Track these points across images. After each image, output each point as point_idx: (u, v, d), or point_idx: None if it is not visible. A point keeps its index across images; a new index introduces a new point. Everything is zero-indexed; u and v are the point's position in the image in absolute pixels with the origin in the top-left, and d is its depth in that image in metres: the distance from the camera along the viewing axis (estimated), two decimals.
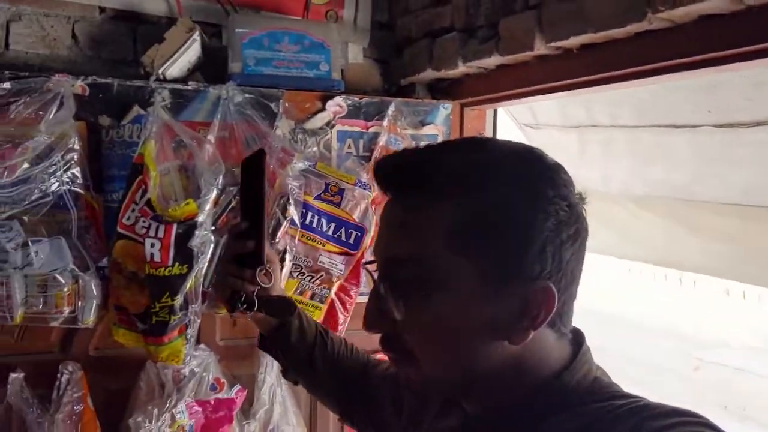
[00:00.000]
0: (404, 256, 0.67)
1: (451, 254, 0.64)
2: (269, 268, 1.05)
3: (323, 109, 1.63)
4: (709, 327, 7.62)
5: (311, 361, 1.08)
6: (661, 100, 2.40)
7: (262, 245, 1.00)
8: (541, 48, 1.37)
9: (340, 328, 1.60)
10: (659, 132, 2.63)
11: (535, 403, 0.67)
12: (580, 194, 0.68)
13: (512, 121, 3.56)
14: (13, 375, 1.39)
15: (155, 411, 1.42)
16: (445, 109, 1.77)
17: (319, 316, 1.58)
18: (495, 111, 1.93)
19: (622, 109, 2.61)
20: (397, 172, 0.68)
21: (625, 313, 8.30)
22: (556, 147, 3.38)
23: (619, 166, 3.04)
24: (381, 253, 0.70)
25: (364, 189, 1.59)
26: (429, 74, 1.74)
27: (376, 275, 0.71)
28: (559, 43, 1.34)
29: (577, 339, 0.72)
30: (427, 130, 1.74)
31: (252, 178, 1.02)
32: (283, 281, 1.52)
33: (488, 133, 1.91)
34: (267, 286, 1.03)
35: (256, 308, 1.01)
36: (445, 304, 0.65)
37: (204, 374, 1.51)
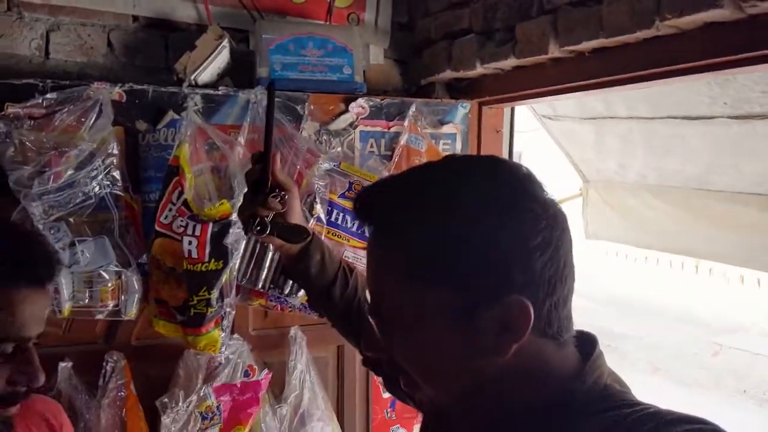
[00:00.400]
0: (378, 293, 0.70)
1: (414, 289, 0.65)
2: (283, 195, 1.08)
3: (346, 110, 1.71)
4: (726, 313, 7.63)
5: (329, 296, 1.13)
6: (677, 92, 2.44)
7: (267, 170, 1.04)
8: (555, 51, 1.43)
9: None
10: (675, 124, 2.67)
11: (546, 411, 0.67)
12: (548, 200, 0.66)
13: (532, 113, 3.61)
14: (62, 364, 1.49)
15: (182, 393, 1.52)
16: (464, 108, 1.83)
17: None
18: (512, 108, 1.99)
19: (639, 102, 2.65)
20: (360, 210, 0.71)
21: (644, 301, 8.32)
22: (573, 138, 3.43)
23: (636, 157, 3.09)
24: (368, 286, 0.73)
25: None
26: (448, 74, 1.81)
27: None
28: (572, 47, 1.40)
29: (587, 345, 0.71)
30: (447, 129, 1.81)
31: (267, 107, 1.10)
32: None
33: (505, 130, 1.97)
34: (279, 210, 1.07)
35: (268, 232, 1.05)
36: (424, 334, 0.66)
37: (238, 361, 1.61)
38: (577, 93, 1.57)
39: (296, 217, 1.14)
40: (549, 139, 3.48)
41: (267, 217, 1.06)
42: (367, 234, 0.71)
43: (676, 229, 3.05)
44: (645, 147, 2.91)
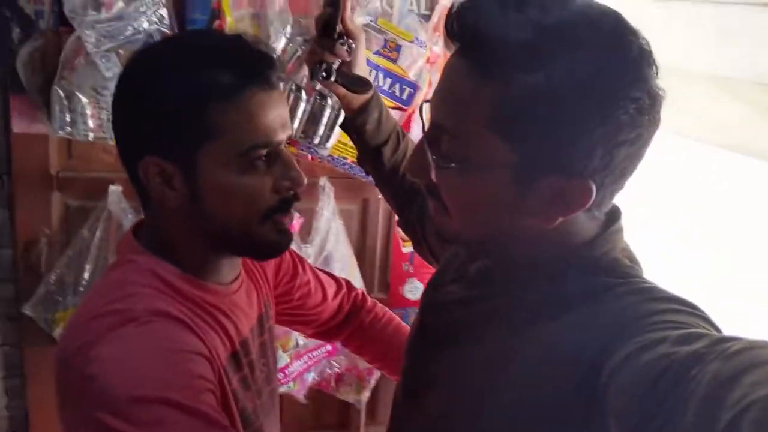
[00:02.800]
0: (445, 125, 0.66)
1: (490, 134, 0.63)
2: (350, 43, 1.06)
3: None
4: None
5: (379, 154, 1.14)
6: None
7: (338, 15, 1.02)
8: None
9: None
10: (750, 10, 2.50)
11: (547, 268, 0.69)
12: (657, 90, 0.62)
13: None
14: (112, 187, 1.67)
15: None
16: None
17: None
18: None
19: None
20: (466, 27, 0.63)
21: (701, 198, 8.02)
22: (638, 20, 3.25)
23: (704, 45, 2.93)
24: (431, 112, 0.70)
25: (421, 47, 1.69)
26: None
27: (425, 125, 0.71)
28: None
29: (610, 217, 0.71)
30: None
31: None
32: (339, 129, 1.68)
33: None
34: (346, 59, 1.06)
35: (333, 78, 1.05)
36: (475, 179, 0.66)
37: None
38: None
39: (361, 69, 1.12)
40: None
41: (333, 64, 1.05)
42: (458, 52, 0.66)
43: (740, 125, 2.94)
44: (715, 34, 2.75)
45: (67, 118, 1.56)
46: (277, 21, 1.58)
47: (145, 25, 1.53)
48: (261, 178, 0.82)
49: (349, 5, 1.06)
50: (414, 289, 1.98)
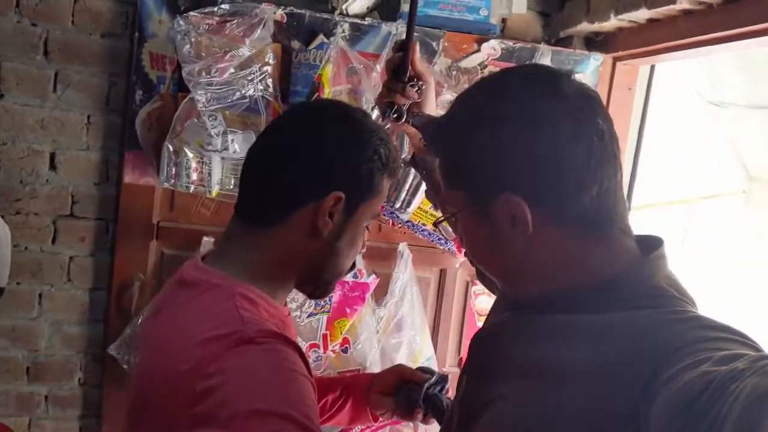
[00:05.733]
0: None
1: (448, 189, 0.81)
2: (420, 85, 1.11)
3: (478, 50, 1.82)
4: None
5: None
6: None
7: (407, 58, 1.07)
8: (684, 2, 1.44)
9: None
10: None
11: (581, 298, 0.71)
12: (572, 92, 0.70)
13: (698, 98, 3.41)
14: (205, 238, 1.78)
15: None
16: (596, 61, 1.86)
17: None
18: (652, 68, 1.97)
19: None
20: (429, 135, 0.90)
21: None
22: (740, 128, 3.20)
23: None
24: None
25: None
26: (584, 27, 1.84)
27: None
28: None
29: (649, 246, 0.73)
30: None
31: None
32: (421, 196, 1.75)
33: (640, 90, 1.96)
34: (416, 100, 1.11)
35: (404, 120, 1.10)
36: (465, 226, 0.80)
37: None
38: (707, 48, 1.55)
39: (431, 108, 1.17)
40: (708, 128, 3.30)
41: (404, 105, 1.10)
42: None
43: None
44: None
45: (173, 171, 1.70)
46: (370, 95, 1.70)
47: (251, 91, 1.69)
48: (361, 238, 1.03)
49: (417, 48, 1.12)
50: None
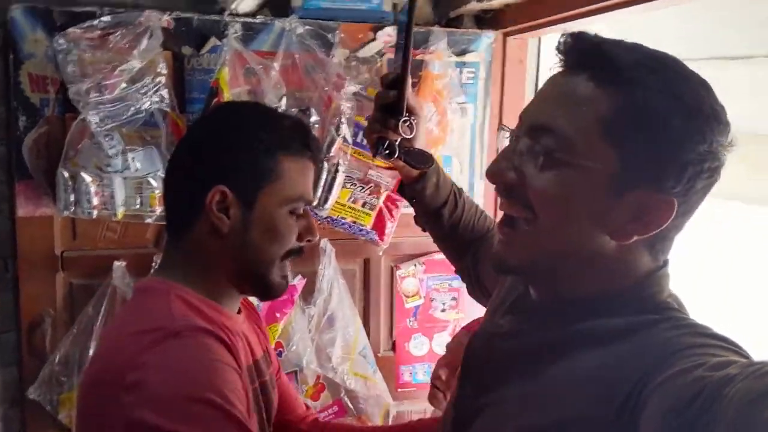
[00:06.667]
0: (555, 126, 0.69)
1: (600, 138, 0.66)
2: (413, 120, 1.10)
3: (374, 38, 1.81)
4: None
5: (439, 215, 1.17)
6: (718, 31, 2.41)
7: (403, 96, 1.05)
8: None
9: (387, 231, 1.82)
10: (717, 65, 2.63)
11: (601, 303, 0.71)
12: (730, 142, 0.68)
13: None
14: (116, 263, 1.69)
15: None
16: (488, 38, 1.91)
17: (369, 221, 1.80)
18: (539, 41, 2.05)
19: (679, 42, 2.63)
20: (588, 48, 0.69)
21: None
22: None
23: None
24: (532, 116, 0.73)
25: None
26: (474, 5, 1.88)
27: (515, 132, 0.75)
28: None
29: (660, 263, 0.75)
30: (470, 58, 1.90)
31: (400, 35, 1.07)
32: (337, 191, 1.74)
33: (531, 63, 2.03)
34: (408, 137, 1.09)
35: (396, 155, 1.08)
36: (573, 180, 0.68)
37: None
38: (595, 16, 1.62)
39: (421, 141, 1.16)
40: None
41: (396, 141, 1.09)
42: (564, 67, 0.72)
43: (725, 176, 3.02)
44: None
45: (71, 198, 1.60)
46: (272, 94, 1.66)
47: (147, 105, 1.61)
48: (294, 224, 1.02)
49: (409, 81, 1.09)
50: (420, 345, 1.99)
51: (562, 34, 0.72)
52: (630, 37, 0.71)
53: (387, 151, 1.09)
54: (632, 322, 0.68)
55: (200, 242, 0.99)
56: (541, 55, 2.08)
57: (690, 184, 0.66)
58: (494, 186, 0.77)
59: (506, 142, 0.76)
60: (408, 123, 1.09)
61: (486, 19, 1.97)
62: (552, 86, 0.72)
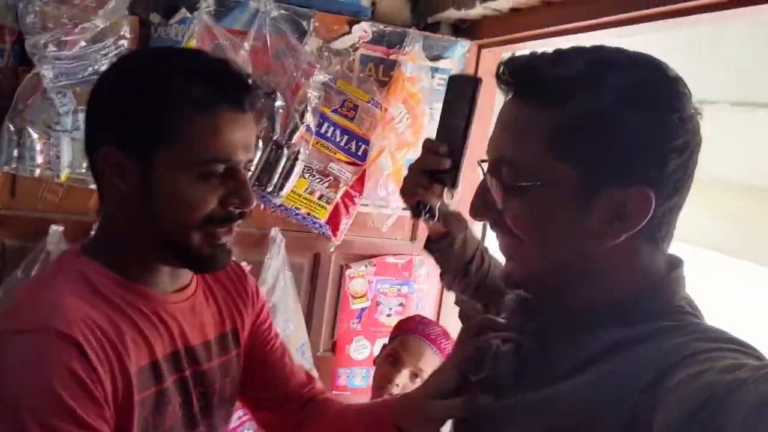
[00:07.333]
0: (509, 155, 0.69)
1: (552, 158, 0.66)
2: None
3: (349, 32, 1.79)
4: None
5: (466, 272, 1.15)
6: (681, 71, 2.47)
7: (459, 169, 1.02)
8: None
9: (341, 227, 1.79)
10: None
11: (608, 314, 0.70)
12: (695, 108, 0.67)
13: None
14: (53, 227, 1.62)
15: None
16: (463, 47, 1.91)
17: (324, 215, 1.77)
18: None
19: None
20: (518, 72, 0.69)
21: None
22: None
23: None
24: (492, 150, 0.73)
25: (376, 107, 1.76)
26: (451, 13, 1.88)
27: (485, 169, 0.74)
28: None
29: (673, 263, 0.73)
30: (444, 64, 1.89)
31: (459, 101, 1.01)
32: (294, 179, 1.71)
33: None
34: (449, 203, 1.08)
35: (435, 219, 1.05)
36: (539, 201, 0.68)
37: None
38: (569, 36, 1.63)
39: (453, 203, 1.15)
40: None
41: (436, 204, 1.06)
42: (512, 96, 0.71)
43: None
44: None
45: (15, 153, 1.53)
46: None
47: (105, 67, 1.54)
48: (212, 189, 0.86)
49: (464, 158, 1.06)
50: (361, 348, 1.95)
51: (499, 62, 0.72)
52: None
53: (428, 215, 1.05)
54: (644, 331, 0.67)
55: (109, 211, 0.90)
56: None
57: (659, 169, 0.65)
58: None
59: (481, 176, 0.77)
60: (451, 192, 1.07)
61: (463, 29, 1.97)
62: (501, 115, 0.73)
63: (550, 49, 0.70)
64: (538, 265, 0.73)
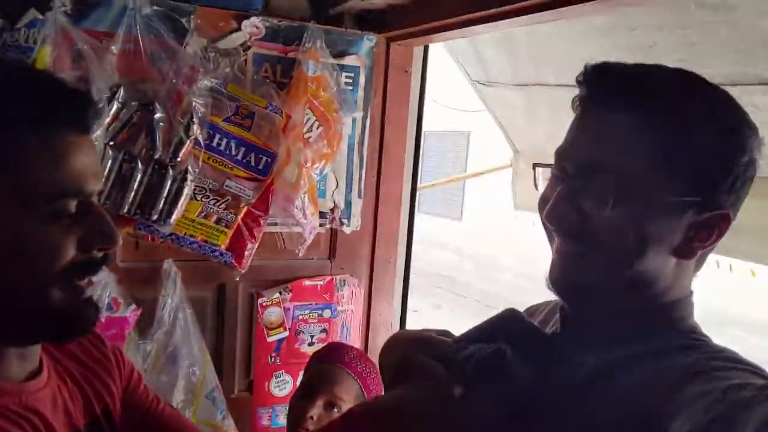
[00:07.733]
0: (609, 163, 0.69)
1: (654, 171, 0.68)
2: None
3: (238, 29, 1.57)
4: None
5: None
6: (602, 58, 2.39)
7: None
8: None
9: (246, 253, 1.56)
10: None
11: (642, 325, 0.72)
12: (761, 141, 0.71)
13: (464, 77, 3.54)
14: None
15: None
16: (370, 41, 1.72)
17: (224, 241, 1.54)
18: (426, 49, 1.89)
19: (568, 69, 2.59)
20: (618, 79, 0.70)
21: None
22: (505, 105, 3.37)
23: (565, 128, 3.04)
24: (580, 154, 0.72)
25: (276, 113, 1.54)
26: (355, 4, 1.69)
27: (558, 172, 0.74)
28: None
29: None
30: (350, 61, 1.70)
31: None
32: (184, 203, 1.47)
33: (416, 72, 1.87)
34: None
35: None
36: (638, 213, 0.69)
37: (101, 294, 1.46)
38: (478, 27, 1.47)
39: None
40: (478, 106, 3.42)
41: None
42: (597, 102, 0.71)
43: None
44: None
45: None
46: (102, 83, 1.37)
47: None
48: (66, 232, 0.69)
49: None
50: (282, 384, 1.74)
51: (585, 65, 0.72)
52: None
53: None
54: (662, 345, 0.70)
55: None
56: (428, 64, 1.92)
57: (738, 194, 0.70)
58: (547, 227, 0.76)
59: (543, 180, 0.77)
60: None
61: (369, 21, 1.78)
62: (592, 122, 0.72)
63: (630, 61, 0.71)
64: (605, 276, 0.73)
